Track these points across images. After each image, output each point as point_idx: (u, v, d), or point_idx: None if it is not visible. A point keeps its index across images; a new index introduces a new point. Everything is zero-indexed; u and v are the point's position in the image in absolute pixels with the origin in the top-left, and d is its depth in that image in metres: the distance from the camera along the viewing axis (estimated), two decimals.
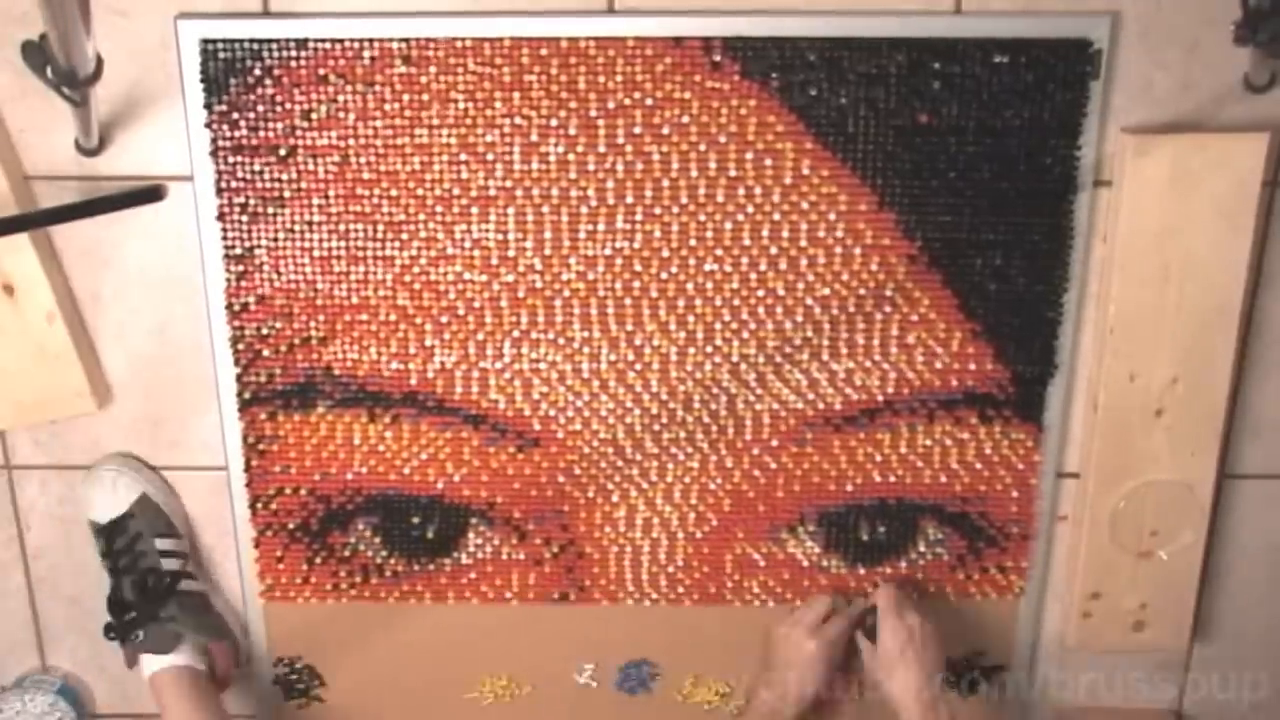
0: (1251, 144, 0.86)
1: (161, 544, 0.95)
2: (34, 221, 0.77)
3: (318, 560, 0.96)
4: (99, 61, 0.72)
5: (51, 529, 1.01)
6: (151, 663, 0.92)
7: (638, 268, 0.89)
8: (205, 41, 0.82)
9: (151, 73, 0.86)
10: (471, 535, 0.96)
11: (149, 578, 0.94)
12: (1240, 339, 0.92)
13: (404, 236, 0.88)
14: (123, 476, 0.95)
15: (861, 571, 0.98)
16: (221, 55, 0.83)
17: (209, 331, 0.91)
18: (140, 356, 0.95)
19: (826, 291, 0.89)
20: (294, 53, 0.83)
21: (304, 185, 0.86)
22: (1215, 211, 0.87)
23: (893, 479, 0.95)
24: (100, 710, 1.08)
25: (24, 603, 1.04)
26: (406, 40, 0.83)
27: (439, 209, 0.87)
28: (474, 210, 0.87)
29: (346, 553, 0.96)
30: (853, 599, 0.99)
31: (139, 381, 0.96)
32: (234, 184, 0.86)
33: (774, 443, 0.93)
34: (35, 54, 0.69)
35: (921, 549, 0.97)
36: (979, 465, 0.95)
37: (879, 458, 0.94)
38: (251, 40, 0.83)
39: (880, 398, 0.92)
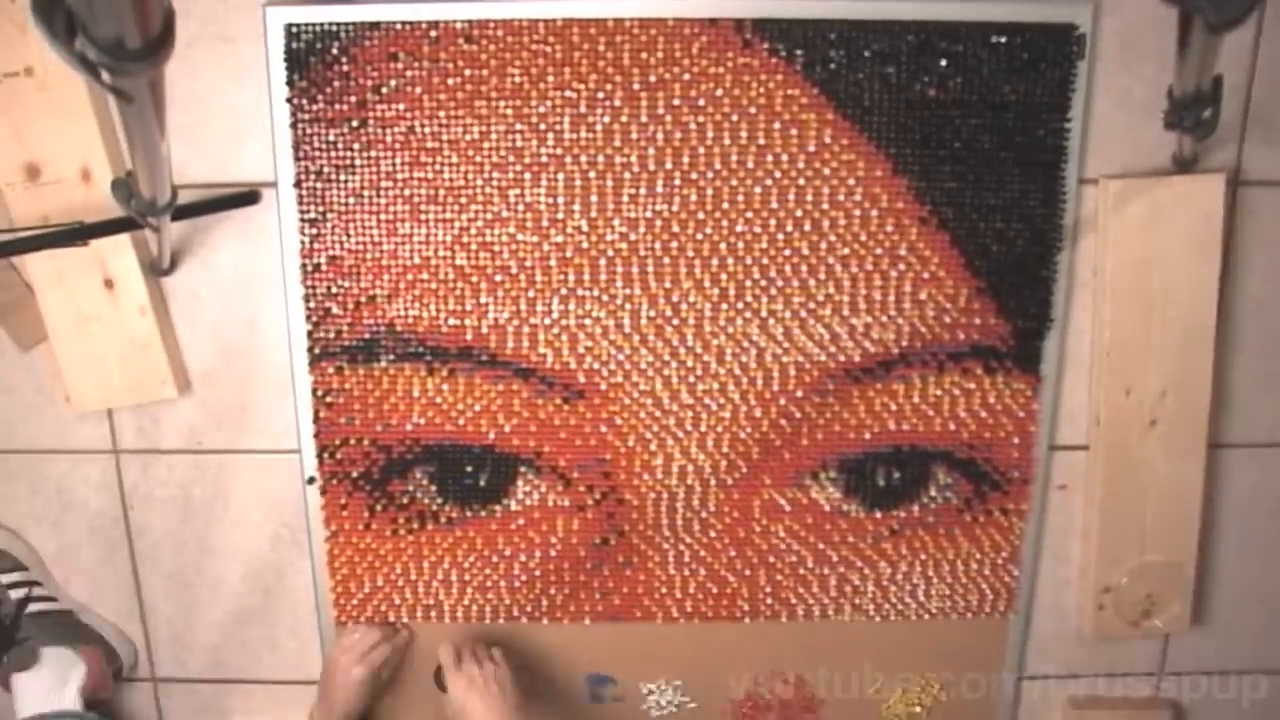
0: (1212, 183, 0.98)
1: (6, 579, 1.04)
2: (134, 223, 0.83)
3: (378, 508, 1.03)
4: (174, 194, 0.81)
5: (152, 508, 1.08)
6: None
7: (675, 229, 0.97)
8: (289, 25, 0.91)
9: (246, 90, 0.96)
10: (520, 483, 1.03)
11: None
12: (1218, 354, 1.03)
13: (462, 200, 0.95)
14: None
15: (879, 515, 1.05)
16: (304, 38, 0.91)
17: (288, 327, 0.99)
18: (230, 349, 1.02)
19: (846, 251, 0.98)
20: (367, 33, 0.91)
21: (373, 153, 0.94)
22: (1186, 243, 0.99)
23: (906, 427, 1.03)
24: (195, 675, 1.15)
25: (128, 576, 1.10)
26: (469, 21, 0.91)
27: (495, 175, 0.95)
28: (527, 176, 0.95)
29: (405, 500, 1.02)
30: (401, 630, 1.08)
31: (228, 371, 1.03)
32: (311, 152, 0.94)
33: (799, 393, 1.01)
34: (121, 189, 0.79)
35: (933, 493, 1.05)
36: (984, 414, 1.03)
37: (894, 407, 1.02)
38: (330, 23, 0.91)
39: (895, 350, 1.01)
